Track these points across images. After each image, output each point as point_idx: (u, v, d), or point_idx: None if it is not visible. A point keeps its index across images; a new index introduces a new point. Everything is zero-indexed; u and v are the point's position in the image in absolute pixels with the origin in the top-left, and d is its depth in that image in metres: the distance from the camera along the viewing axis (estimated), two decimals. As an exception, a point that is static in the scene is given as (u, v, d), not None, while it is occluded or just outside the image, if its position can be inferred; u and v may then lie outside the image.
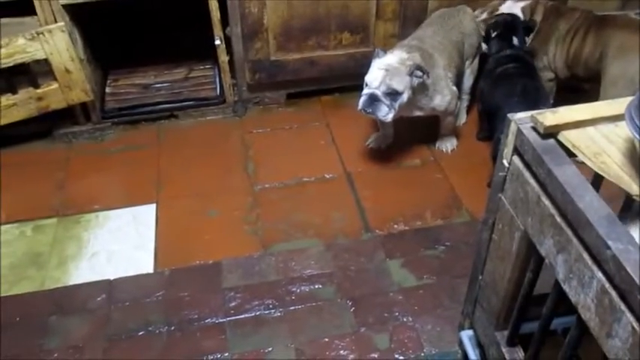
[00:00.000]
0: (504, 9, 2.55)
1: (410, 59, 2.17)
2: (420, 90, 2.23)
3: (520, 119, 1.25)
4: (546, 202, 1.15)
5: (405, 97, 2.18)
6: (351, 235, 2.19)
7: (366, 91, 2.19)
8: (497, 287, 1.45)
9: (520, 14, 2.52)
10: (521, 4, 2.55)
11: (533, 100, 2.12)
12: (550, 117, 1.18)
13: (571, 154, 1.17)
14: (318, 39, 2.67)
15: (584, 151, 1.14)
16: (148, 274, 2.06)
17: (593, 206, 1.03)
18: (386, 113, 2.19)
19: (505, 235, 1.35)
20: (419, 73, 2.15)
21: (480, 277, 1.54)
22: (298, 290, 1.99)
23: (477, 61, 2.62)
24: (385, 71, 2.14)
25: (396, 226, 2.22)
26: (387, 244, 2.15)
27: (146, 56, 3.01)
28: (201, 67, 2.99)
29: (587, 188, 1.07)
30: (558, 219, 1.12)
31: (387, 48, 2.56)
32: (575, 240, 1.07)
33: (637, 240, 0.96)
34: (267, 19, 2.56)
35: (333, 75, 2.80)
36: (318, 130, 2.73)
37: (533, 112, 1.22)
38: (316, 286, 2.00)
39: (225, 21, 2.58)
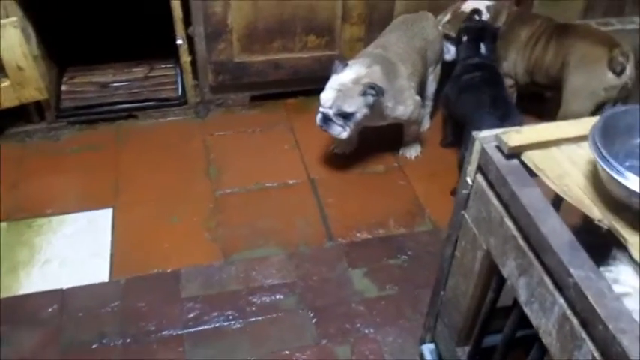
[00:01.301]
0: (467, 6, 2.55)
1: (367, 76, 2.15)
2: (381, 103, 2.21)
3: (484, 138, 1.24)
4: (509, 223, 1.15)
5: (358, 116, 2.17)
6: (313, 243, 2.17)
7: (320, 109, 2.20)
8: (460, 303, 1.44)
9: (484, 12, 2.52)
10: (485, 2, 2.55)
11: (504, 111, 2.12)
12: (514, 137, 1.18)
13: (534, 174, 1.16)
14: (283, 41, 2.63)
15: (548, 173, 1.14)
16: (103, 283, 1.99)
17: (555, 231, 1.03)
18: (339, 133, 2.21)
19: (468, 252, 1.35)
20: (372, 92, 2.13)
21: (442, 293, 1.53)
22: (259, 301, 1.95)
23: (439, 67, 2.62)
24: (337, 92, 2.13)
25: (359, 234, 2.20)
26: (350, 253, 2.13)
27: (105, 53, 2.91)
28: (163, 66, 2.90)
29: (550, 212, 1.07)
30: (521, 242, 1.11)
31: (352, 54, 2.57)
32: (537, 264, 1.07)
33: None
34: (231, 20, 2.50)
35: (299, 78, 2.76)
36: (281, 133, 2.69)
37: (498, 132, 1.21)
38: (277, 297, 1.97)
39: (188, 20, 2.52)
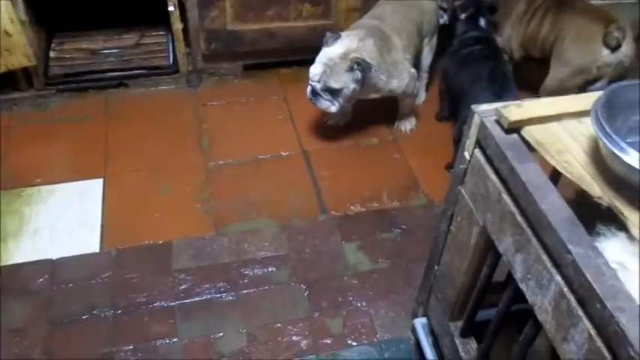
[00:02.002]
0: None
1: (357, 50, 2.11)
2: (372, 77, 2.17)
3: (484, 112, 1.22)
4: (507, 199, 1.13)
5: (346, 92, 2.15)
6: (306, 216, 2.15)
7: (310, 82, 2.17)
8: (454, 279, 1.43)
9: None
10: None
11: (501, 85, 2.10)
12: (515, 111, 1.15)
13: (534, 149, 1.14)
14: (277, 9, 2.57)
15: (548, 148, 1.11)
16: (93, 254, 1.97)
17: (555, 208, 1.01)
18: (327, 107, 2.19)
19: (463, 228, 1.33)
20: (359, 68, 2.09)
21: (437, 268, 1.52)
22: (251, 273, 1.94)
23: (435, 38, 2.57)
24: (324, 66, 2.10)
25: (352, 207, 2.19)
26: (342, 226, 2.11)
27: (95, 19, 2.83)
28: (154, 34, 2.83)
29: (550, 188, 1.05)
30: (519, 218, 1.09)
31: (348, 23, 2.52)
32: (534, 241, 1.05)
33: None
34: (224, -14, 2.44)
35: (293, 47, 2.70)
36: (275, 104, 2.65)
37: (498, 105, 1.18)
38: (270, 269, 1.96)
39: (179, -15, 2.45)
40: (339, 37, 2.16)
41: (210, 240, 2.04)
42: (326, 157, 2.40)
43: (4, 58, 2.32)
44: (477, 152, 1.23)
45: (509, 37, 2.51)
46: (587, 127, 1.14)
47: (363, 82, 2.17)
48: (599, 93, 1.10)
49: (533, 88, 2.56)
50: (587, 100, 1.18)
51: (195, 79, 2.71)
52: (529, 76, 2.67)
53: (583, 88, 2.35)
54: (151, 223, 2.08)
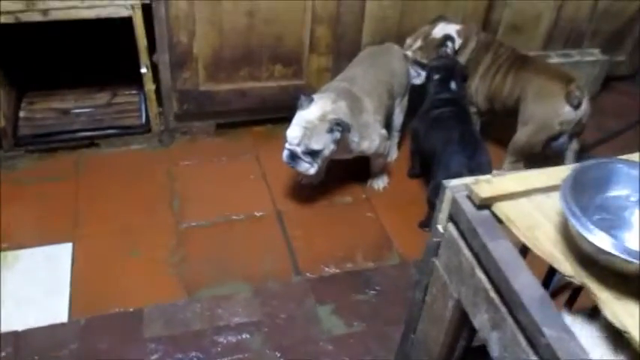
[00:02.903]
0: (438, 32, 2.56)
1: (333, 112, 2.14)
2: (347, 138, 2.21)
3: (455, 187, 1.23)
4: (481, 275, 1.14)
5: (326, 152, 2.17)
6: (280, 278, 2.13)
7: (287, 146, 2.18)
8: (430, 348, 1.42)
9: (455, 36, 2.54)
10: (455, 27, 2.57)
11: (472, 148, 2.14)
12: (485, 188, 1.17)
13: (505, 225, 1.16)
14: (249, 70, 2.60)
15: (518, 224, 1.13)
16: (61, 324, 1.91)
17: (527, 287, 1.02)
18: (307, 169, 2.20)
19: (438, 299, 1.33)
20: (339, 128, 2.13)
21: (412, 336, 1.51)
22: (225, 341, 1.90)
23: (406, 99, 2.63)
24: (304, 129, 2.12)
25: (326, 268, 2.18)
26: (317, 289, 2.10)
27: (66, 78, 2.83)
28: (126, 93, 2.84)
29: (522, 266, 1.06)
30: (493, 295, 1.10)
31: (319, 83, 2.57)
32: (509, 319, 1.06)
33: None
34: (197, 49, 2.46)
35: (265, 106, 2.73)
36: (248, 163, 2.66)
37: (468, 181, 1.21)
38: (244, 336, 1.92)
39: (152, 47, 2.47)
40: (312, 100, 2.19)
41: (182, 306, 2.00)
42: (299, 217, 2.40)
43: (-28, 120, 2.29)
44: (450, 226, 1.24)
45: (476, 90, 2.59)
46: (555, 201, 1.17)
47: (339, 143, 2.19)
48: (567, 169, 1.13)
49: (499, 141, 2.63)
50: (554, 174, 1.21)
51: (167, 138, 2.70)
52: (496, 128, 2.74)
53: (547, 145, 2.42)
54: (122, 289, 2.04)
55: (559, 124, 2.34)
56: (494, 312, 1.10)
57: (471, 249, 1.18)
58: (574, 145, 2.45)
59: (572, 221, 1.01)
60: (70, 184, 2.45)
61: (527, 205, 1.18)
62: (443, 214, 1.27)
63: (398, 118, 2.63)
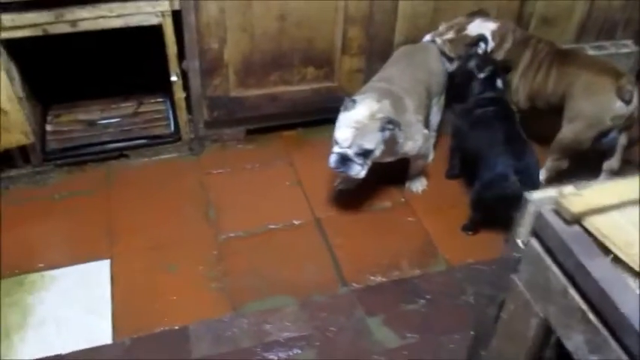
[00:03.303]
0: (473, 28, 2.48)
1: (380, 111, 2.06)
2: (391, 139, 2.13)
3: (540, 200, 1.16)
4: (575, 295, 1.07)
5: (377, 152, 2.10)
6: (326, 289, 2.06)
7: (336, 149, 2.09)
8: (506, 367, 1.36)
9: (489, 36, 2.47)
10: (491, 25, 2.49)
11: (519, 148, 2.07)
12: (576, 202, 1.10)
13: (598, 241, 1.09)
14: (280, 74, 2.53)
15: (615, 241, 1.06)
16: (106, 346, 1.85)
17: (635, 309, 0.95)
18: (358, 172, 2.11)
19: (518, 317, 1.26)
20: (390, 126, 2.05)
21: (483, 353, 1.45)
22: (276, 357, 1.84)
23: (443, 97, 2.56)
24: (355, 129, 2.04)
25: (372, 277, 2.11)
26: (365, 299, 2.03)
27: (90, 89, 2.76)
28: (152, 101, 2.77)
29: (627, 287, 0.99)
30: (591, 316, 1.03)
31: (351, 85, 2.50)
32: (613, 343, 0.99)
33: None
34: (227, 55, 2.39)
35: (296, 110, 2.67)
36: (281, 169, 2.59)
37: (556, 195, 1.13)
38: (295, 352, 1.86)
39: (181, 54, 2.40)
40: (354, 101, 2.12)
41: (229, 322, 1.94)
42: (339, 224, 2.33)
43: (2, 137, 2.23)
44: (534, 242, 1.17)
45: (517, 89, 2.51)
46: (649, 214, 1.10)
47: (387, 143, 2.12)
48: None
49: (539, 137, 2.54)
50: (642, 184, 1.14)
51: (197, 146, 2.64)
52: (535, 124, 2.66)
53: (596, 141, 2.35)
54: (165, 307, 1.98)
55: (611, 119, 2.26)
56: (592, 334, 1.03)
57: (561, 267, 1.11)
58: (622, 140, 2.37)
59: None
60: (102, 198, 2.39)
61: (621, 218, 1.11)
62: (524, 228, 1.20)
63: (435, 118, 2.55)
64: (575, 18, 2.92)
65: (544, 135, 2.49)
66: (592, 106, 2.29)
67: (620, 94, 2.22)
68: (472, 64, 2.34)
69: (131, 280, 2.07)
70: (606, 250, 1.06)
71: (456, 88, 2.50)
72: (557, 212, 1.12)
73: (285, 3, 2.32)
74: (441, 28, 2.54)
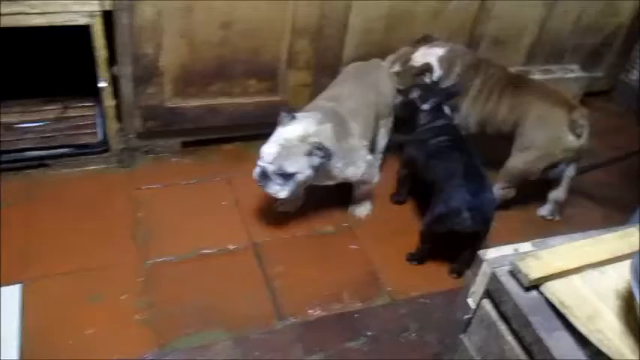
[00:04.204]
0: (418, 58, 2.41)
1: (316, 134, 1.95)
2: (328, 164, 2.02)
3: (494, 260, 1.06)
4: (532, 371, 0.97)
5: (300, 177, 1.98)
6: (262, 323, 1.92)
7: (259, 162, 1.98)
8: None
9: (435, 64, 2.39)
10: (438, 51, 2.41)
11: (477, 183, 1.99)
12: (534, 267, 1.01)
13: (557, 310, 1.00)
14: (221, 85, 2.37)
15: (576, 313, 0.97)
16: (9, 387, 1.65)
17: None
18: (277, 191, 2.00)
19: (467, 382, 1.16)
20: (320, 153, 1.94)
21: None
22: (203, 402, 1.68)
23: (391, 119, 2.45)
24: (280, 147, 1.92)
25: (311, 311, 1.98)
26: (303, 336, 1.90)
27: (10, 90, 2.50)
28: (79, 105, 2.54)
29: (588, 369, 0.90)
30: (549, 397, 0.94)
31: (298, 100, 2.38)
32: None
33: None
34: (163, 62, 2.21)
35: (237, 124, 2.51)
36: (218, 186, 2.43)
37: (512, 255, 1.04)
38: (224, 396, 1.71)
39: (111, 58, 2.19)
40: (294, 117, 1.99)
41: (153, 361, 1.77)
42: (278, 250, 2.19)
43: None
44: (487, 304, 1.08)
45: (467, 114, 2.43)
46: (609, 279, 1.02)
47: (318, 169, 2.00)
48: (617, 237, 0.98)
49: (488, 160, 2.47)
50: (606, 245, 1.06)
51: (127, 158, 2.44)
52: (485, 148, 2.59)
53: (544, 172, 2.31)
54: (80, 342, 1.78)
55: (562, 152, 2.22)
56: (549, 416, 0.94)
57: (516, 335, 1.01)
58: (570, 172, 2.34)
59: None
60: (18, 213, 2.15)
61: (581, 285, 1.02)
62: (476, 289, 1.10)
63: (382, 140, 2.45)
64: (526, 41, 2.90)
65: (492, 158, 2.43)
66: (544, 138, 2.25)
67: (573, 128, 2.18)
68: (414, 94, 2.25)
69: (44, 310, 1.85)
70: (565, 319, 0.97)
71: (402, 118, 2.42)
72: (514, 275, 1.03)
73: (231, 11, 2.17)
74: (389, 58, 2.46)
